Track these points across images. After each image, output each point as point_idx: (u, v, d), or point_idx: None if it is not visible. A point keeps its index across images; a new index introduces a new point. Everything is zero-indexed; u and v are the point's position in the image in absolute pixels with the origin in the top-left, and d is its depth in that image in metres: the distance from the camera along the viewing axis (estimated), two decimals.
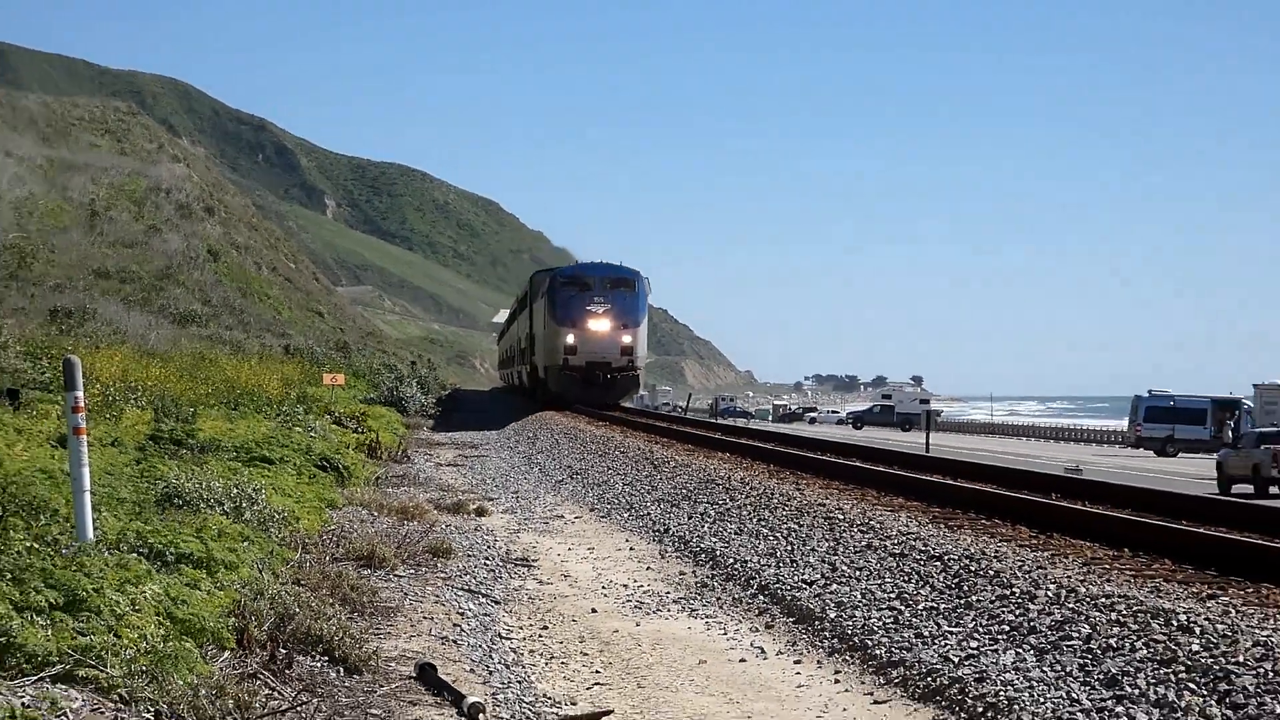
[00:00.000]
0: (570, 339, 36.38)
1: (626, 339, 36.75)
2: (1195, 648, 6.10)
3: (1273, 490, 25.66)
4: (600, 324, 36.56)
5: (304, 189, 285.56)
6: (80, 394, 6.66)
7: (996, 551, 9.79)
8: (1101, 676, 6.11)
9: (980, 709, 5.91)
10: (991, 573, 8.76)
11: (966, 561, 9.31)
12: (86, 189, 55.53)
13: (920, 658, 7.06)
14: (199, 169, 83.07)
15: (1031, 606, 7.59)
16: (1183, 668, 5.88)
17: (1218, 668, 5.75)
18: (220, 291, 48.61)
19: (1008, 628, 7.33)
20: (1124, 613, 6.99)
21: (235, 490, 8.88)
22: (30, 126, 66.79)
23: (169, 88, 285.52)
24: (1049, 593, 7.86)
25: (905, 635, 7.71)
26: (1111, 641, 6.58)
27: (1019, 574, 8.61)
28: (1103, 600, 7.38)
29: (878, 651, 7.37)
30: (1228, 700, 5.33)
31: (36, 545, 5.84)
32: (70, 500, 6.97)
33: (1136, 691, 5.72)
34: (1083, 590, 7.77)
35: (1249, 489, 26.19)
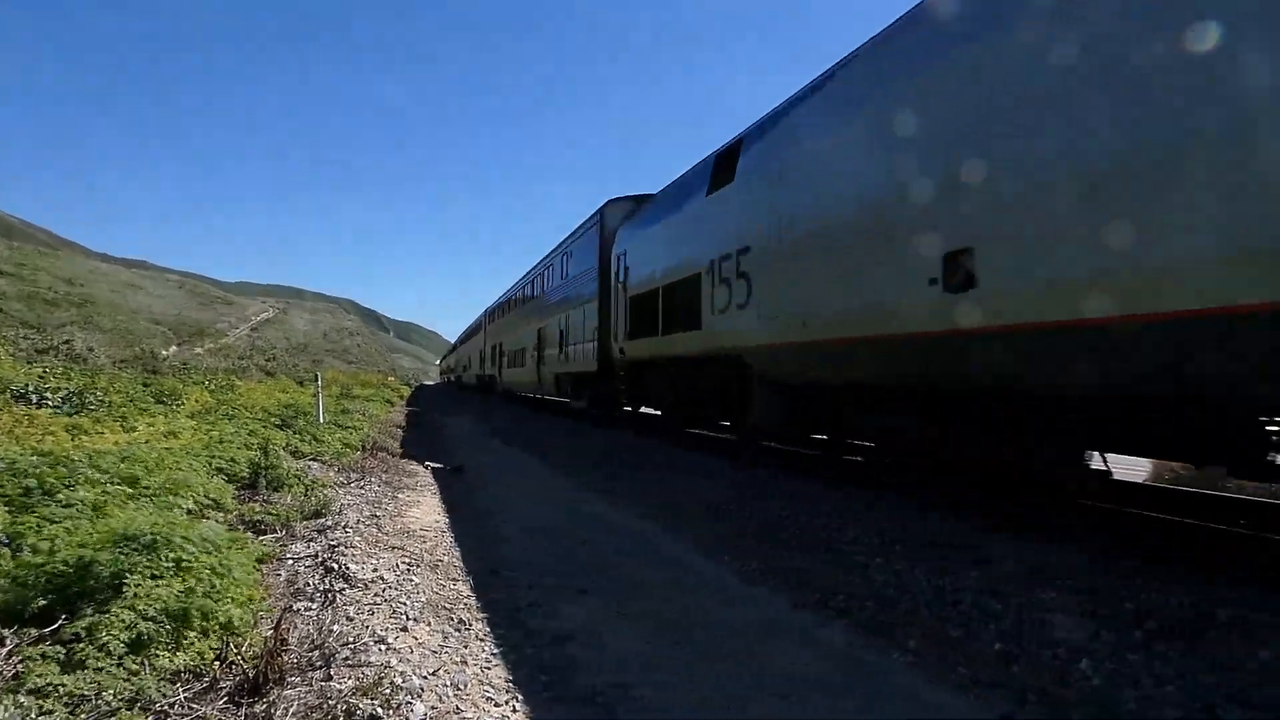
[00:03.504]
0: None
1: None
2: (597, 439, 13.10)
3: None
4: None
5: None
6: (320, 382, 14.60)
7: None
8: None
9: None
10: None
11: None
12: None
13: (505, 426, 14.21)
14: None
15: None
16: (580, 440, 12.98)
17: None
18: (364, 356, 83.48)
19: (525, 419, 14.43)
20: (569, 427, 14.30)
21: (362, 406, 17.29)
22: None
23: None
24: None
25: (532, 427, 14.68)
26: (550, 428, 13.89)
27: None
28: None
29: (521, 433, 14.55)
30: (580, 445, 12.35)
31: (304, 421, 13.54)
32: (313, 409, 14.80)
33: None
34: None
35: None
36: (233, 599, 3.74)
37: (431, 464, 11.84)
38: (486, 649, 3.94)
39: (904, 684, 3.66)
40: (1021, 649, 3.81)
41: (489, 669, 3.68)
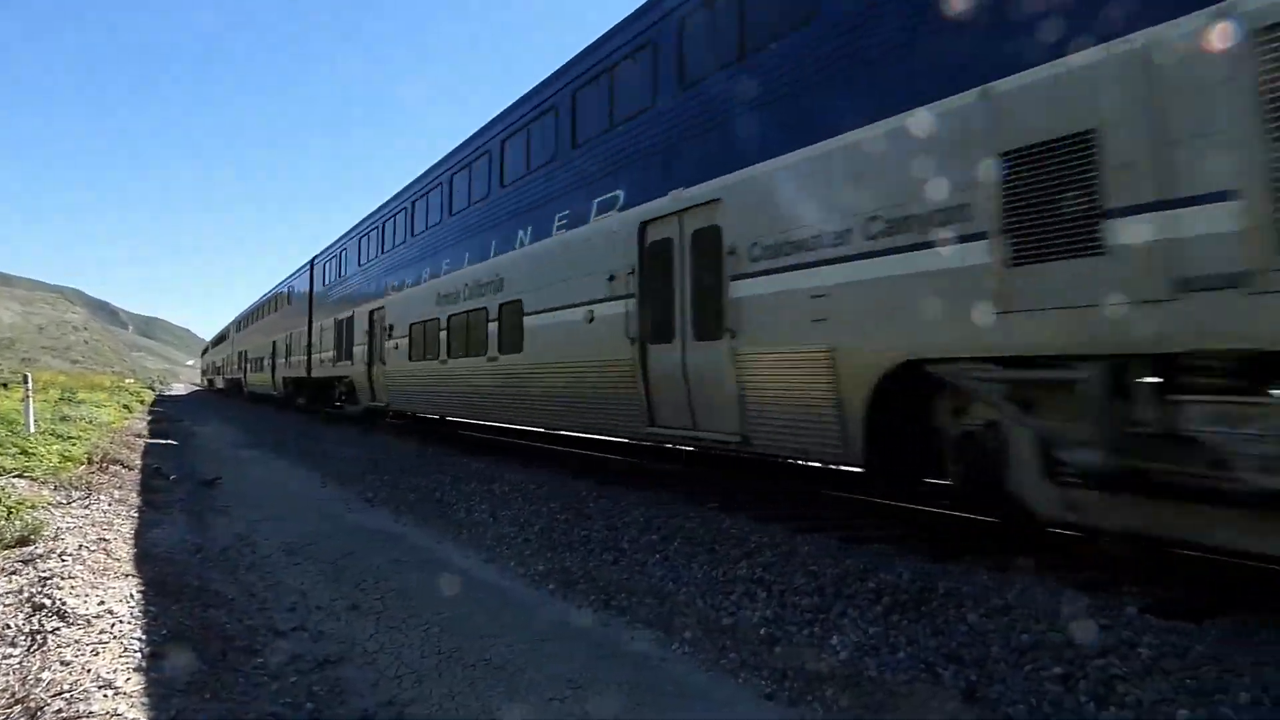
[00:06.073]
0: None
1: None
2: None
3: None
4: None
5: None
6: (30, 384, 12.45)
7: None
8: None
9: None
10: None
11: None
12: None
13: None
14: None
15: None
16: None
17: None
18: (95, 355, 71.48)
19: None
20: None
21: (90, 412, 14.92)
22: None
23: None
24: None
25: (278, 427, 13.90)
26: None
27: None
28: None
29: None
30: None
31: (6, 431, 11.41)
32: (22, 418, 12.55)
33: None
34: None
35: None
36: None
37: (178, 476, 10.54)
38: (244, 681, 3.58)
39: (678, 673, 3.85)
40: (783, 631, 4.16)
41: (246, 702, 3.34)
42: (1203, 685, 3.06)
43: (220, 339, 55.75)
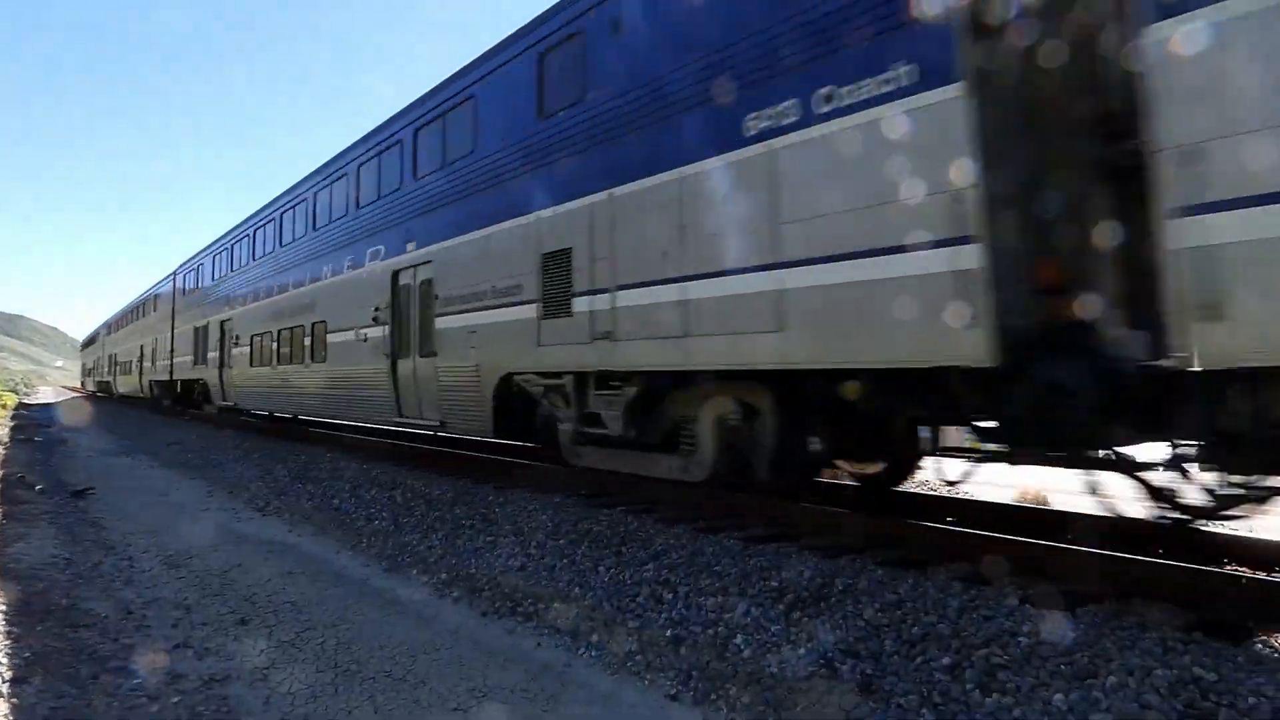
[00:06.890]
0: None
1: None
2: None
3: None
4: None
5: None
6: None
7: None
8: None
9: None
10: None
11: None
12: None
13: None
14: None
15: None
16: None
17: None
18: None
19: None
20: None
21: None
22: None
23: None
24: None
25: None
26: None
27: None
28: None
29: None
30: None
31: None
32: None
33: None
34: None
35: None
36: None
37: (45, 486, 9.77)
38: (118, 705, 3.35)
39: (585, 678, 3.85)
40: (689, 632, 4.22)
41: None
42: (1076, 670, 3.29)
43: (126, 318, 32.59)
